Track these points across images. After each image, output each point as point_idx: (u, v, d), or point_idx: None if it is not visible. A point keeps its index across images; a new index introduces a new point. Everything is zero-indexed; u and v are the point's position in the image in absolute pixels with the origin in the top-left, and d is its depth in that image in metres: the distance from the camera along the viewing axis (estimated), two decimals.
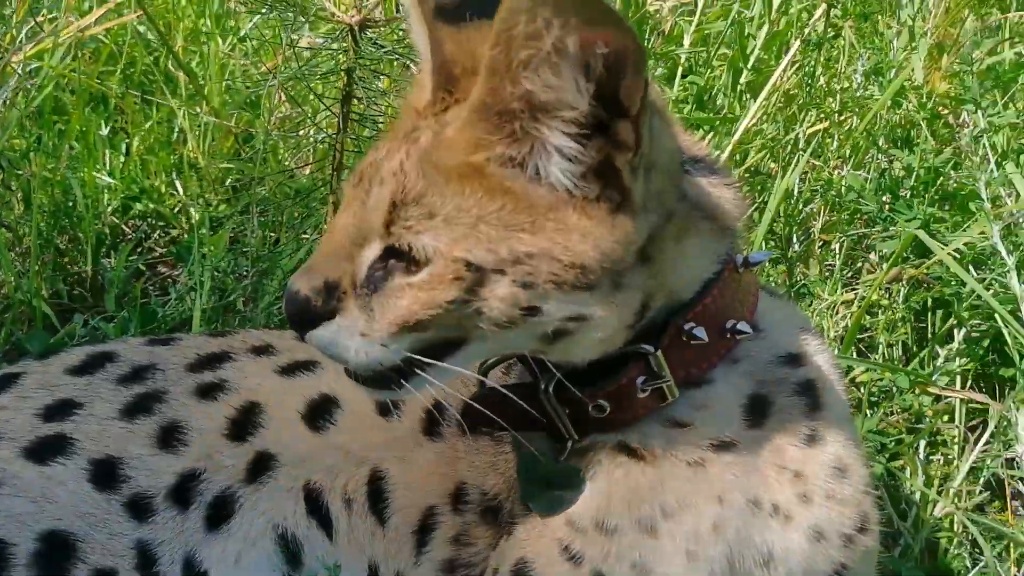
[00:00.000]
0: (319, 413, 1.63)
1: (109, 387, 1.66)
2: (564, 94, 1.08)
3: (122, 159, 2.80)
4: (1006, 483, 1.97)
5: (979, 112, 2.03)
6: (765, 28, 2.51)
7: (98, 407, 1.62)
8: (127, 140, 2.87)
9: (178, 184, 2.73)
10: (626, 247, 1.16)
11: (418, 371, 1.22)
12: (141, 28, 2.95)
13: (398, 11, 1.94)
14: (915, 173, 2.13)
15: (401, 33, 2.02)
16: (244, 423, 1.61)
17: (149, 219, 2.72)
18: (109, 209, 2.67)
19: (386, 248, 1.18)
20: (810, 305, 2.17)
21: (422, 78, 1.29)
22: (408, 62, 2.01)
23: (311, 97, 2.47)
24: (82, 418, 1.59)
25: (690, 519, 1.32)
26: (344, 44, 1.96)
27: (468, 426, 1.50)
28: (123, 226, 2.71)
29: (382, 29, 2.01)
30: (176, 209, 2.72)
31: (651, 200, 1.17)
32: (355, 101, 2.00)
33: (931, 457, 2.01)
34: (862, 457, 1.40)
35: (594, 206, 1.15)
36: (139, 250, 2.64)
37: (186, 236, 2.63)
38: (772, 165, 2.47)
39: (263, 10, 1.85)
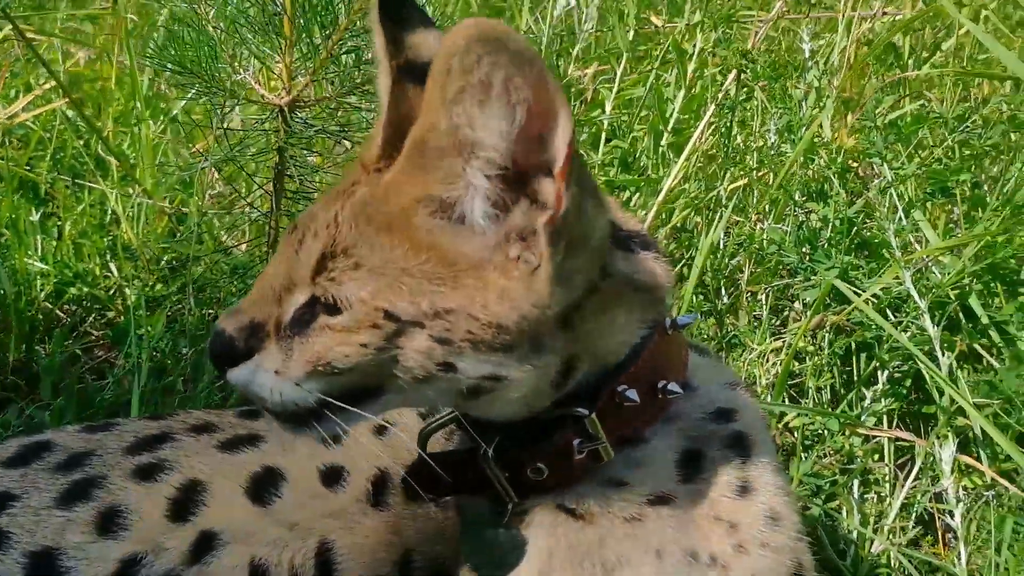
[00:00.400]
0: (263, 487, 1.61)
1: (45, 476, 1.63)
2: (487, 134, 1.10)
3: (54, 244, 2.78)
4: (936, 517, 2.04)
5: (884, 165, 2.14)
6: (682, 92, 2.63)
7: (34, 498, 1.59)
8: (59, 224, 2.85)
9: (112, 266, 2.72)
10: (543, 311, 1.19)
11: (330, 414, 1.24)
12: (70, 113, 2.96)
13: (330, 89, 1.99)
14: (831, 224, 2.23)
15: (330, 111, 2.07)
16: (185, 502, 1.59)
17: (84, 303, 2.70)
18: (42, 295, 2.65)
19: (312, 296, 1.21)
20: (741, 355, 2.24)
21: (375, 131, 1.31)
22: (338, 139, 2.07)
23: (243, 176, 2.50)
24: (18, 510, 1.57)
25: (630, 574, 1.34)
26: (275, 124, 2.00)
27: (412, 493, 1.52)
28: (57, 311, 2.69)
29: (312, 108, 2.05)
30: (111, 291, 2.71)
31: (574, 273, 1.20)
32: (287, 178, 2.04)
33: (865, 496, 2.07)
34: (793, 504, 1.44)
35: (513, 267, 1.17)
36: (74, 334, 2.61)
37: (122, 318, 2.62)
38: (697, 221, 2.56)
39: (191, 94, 1.87)
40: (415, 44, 1.35)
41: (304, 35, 1.95)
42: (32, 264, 2.65)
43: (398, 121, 1.27)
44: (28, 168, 2.85)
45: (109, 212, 2.83)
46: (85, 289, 2.68)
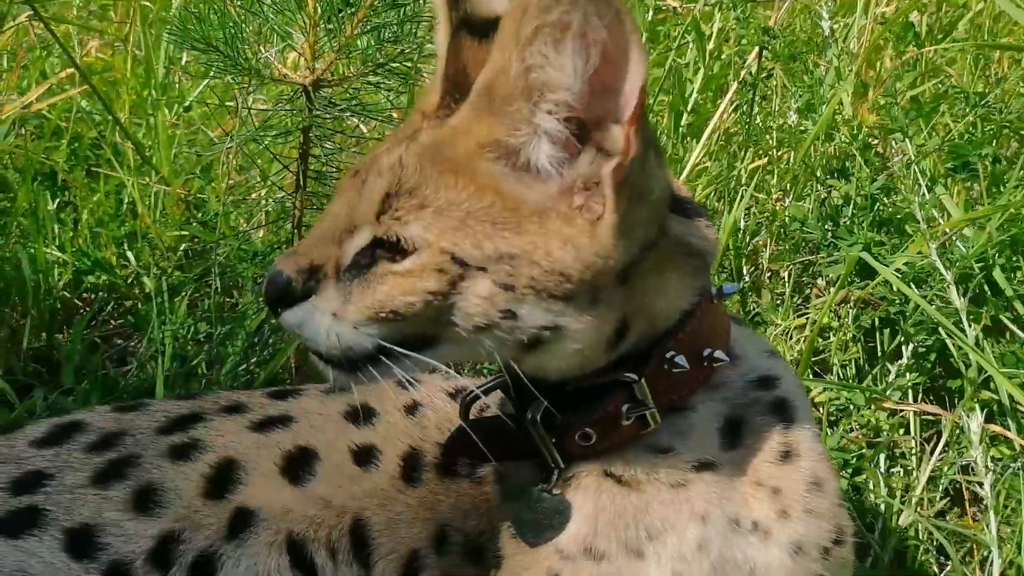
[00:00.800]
0: (297, 465, 1.62)
1: (79, 456, 1.63)
2: (561, 74, 1.10)
3: (71, 233, 2.78)
4: (963, 489, 2.05)
5: (907, 140, 2.15)
6: (701, 73, 2.63)
7: (69, 477, 1.59)
8: (75, 214, 2.85)
9: (130, 255, 2.72)
10: (605, 262, 1.18)
11: (386, 360, 1.21)
12: (84, 104, 2.96)
13: (353, 69, 1.99)
14: (852, 201, 2.24)
15: (354, 90, 2.07)
16: (221, 480, 1.59)
17: (101, 291, 2.70)
18: (61, 283, 2.65)
19: (375, 238, 1.19)
20: (765, 332, 2.24)
21: (433, 82, 1.32)
22: (362, 119, 2.07)
23: (261, 160, 2.51)
24: (53, 488, 1.57)
25: (675, 540, 1.34)
26: (299, 103, 2.00)
27: (449, 464, 1.52)
28: (75, 300, 2.69)
29: (335, 88, 2.05)
30: (129, 279, 2.71)
31: (636, 227, 1.20)
32: (312, 159, 2.04)
33: (891, 470, 2.08)
34: (833, 470, 1.45)
35: (577, 215, 1.17)
36: (93, 323, 2.62)
37: (140, 306, 2.62)
38: (718, 202, 2.56)
39: (218, 74, 1.87)
40: (473, 0, 1.34)
41: (327, 13, 1.95)
42: (50, 253, 2.65)
43: (455, 73, 1.28)
44: (44, 158, 2.85)
45: (126, 200, 2.83)
46: (103, 277, 2.68)
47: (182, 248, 2.75)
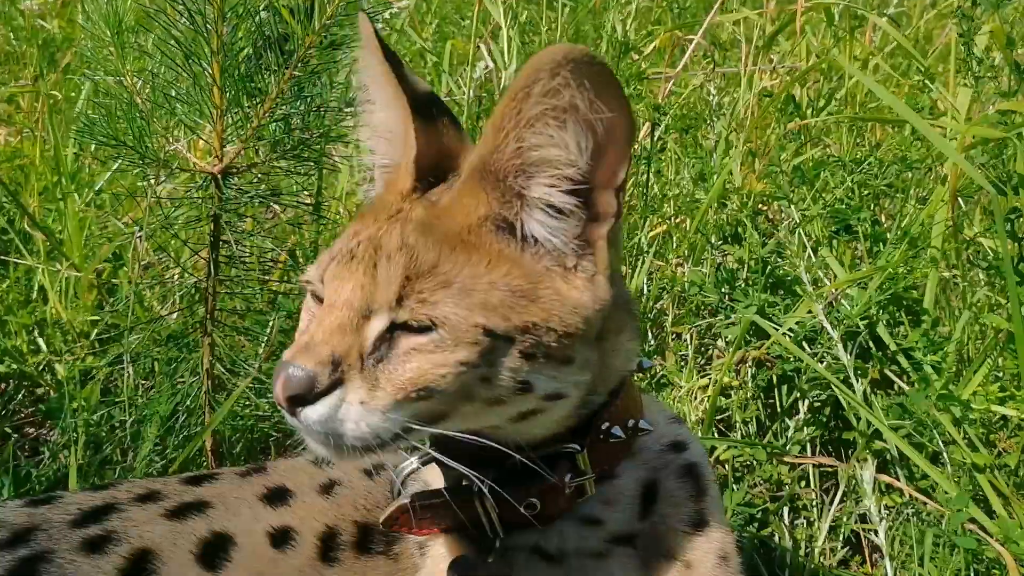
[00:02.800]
0: (214, 552, 1.62)
1: None
2: (567, 151, 1.15)
3: None
4: (862, 537, 2.15)
5: (792, 206, 2.29)
6: None
7: None
8: None
9: (40, 341, 2.69)
10: (601, 314, 1.24)
11: (405, 435, 1.21)
12: None
13: (261, 154, 2.04)
14: (746, 264, 2.36)
15: (261, 176, 2.12)
16: (135, 572, 1.59)
17: (11, 380, 2.65)
18: None
19: (391, 322, 1.18)
20: (671, 393, 2.33)
21: (403, 165, 1.33)
22: (271, 203, 2.11)
23: (172, 246, 2.52)
24: None
25: None
26: (209, 191, 2.04)
27: (391, 539, 1.55)
28: None
29: (244, 175, 2.10)
30: (40, 367, 2.67)
31: (612, 277, 1.26)
32: (223, 244, 2.07)
33: (795, 521, 2.17)
34: (735, 543, 1.50)
35: (573, 275, 1.22)
36: (3, 412, 2.57)
37: (52, 393, 2.59)
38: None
39: (127, 164, 1.90)
40: (412, 80, 1.39)
41: (234, 105, 2.00)
42: None
43: (421, 154, 1.32)
44: None
45: (35, 287, 2.81)
46: (13, 366, 2.64)
47: (94, 334, 2.73)
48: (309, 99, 2.06)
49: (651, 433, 1.43)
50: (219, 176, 2.03)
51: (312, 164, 2.17)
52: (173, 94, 1.98)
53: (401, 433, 1.19)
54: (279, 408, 1.20)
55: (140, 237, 1.96)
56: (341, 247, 1.27)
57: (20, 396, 2.64)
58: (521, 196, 1.20)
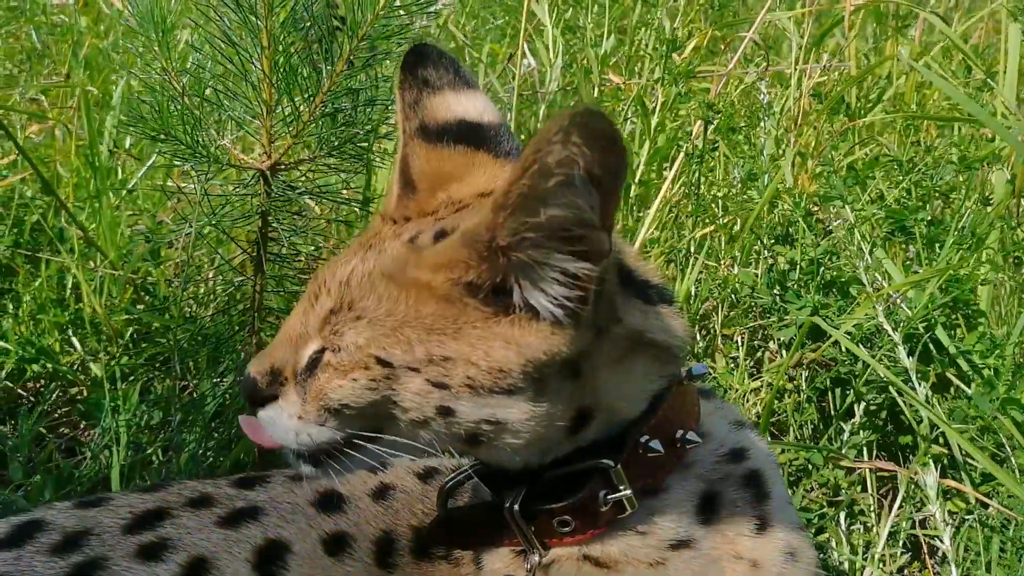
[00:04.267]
0: (269, 560, 1.59)
1: (42, 559, 1.58)
2: (583, 212, 1.12)
3: (10, 321, 2.70)
4: (921, 543, 2.10)
5: (847, 207, 2.24)
6: (647, 145, 2.72)
7: None
8: (14, 302, 2.78)
9: (75, 340, 2.66)
10: (552, 357, 1.21)
11: (351, 451, 1.31)
12: (27, 190, 2.91)
13: (308, 152, 2.01)
14: (798, 266, 2.32)
15: (310, 172, 2.08)
16: None
17: (44, 379, 2.62)
18: (3, 374, 2.57)
19: (320, 346, 1.29)
20: (723, 396, 2.29)
21: (390, 185, 1.40)
22: (319, 200, 2.08)
23: (213, 243, 2.49)
24: None
25: None
26: (257, 187, 2.00)
27: (433, 547, 1.52)
28: (18, 390, 2.61)
29: (292, 171, 2.06)
30: (74, 366, 2.64)
31: (590, 316, 1.22)
32: (271, 241, 2.03)
33: (851, 527, 2.13)
34: (807, 539, 1.48)
35: (535, 323, 1.20)
36: (39, 413, 2.53)
37: (86, 394, 2.55)
38: (666, 270, 2.63)
39: (178, 163, 1.87)
40: (432, 106, 1.43)
41: (284, 100, 1.97)
42: None
43: (410, 179, 1.37)
44: None
45: (69, 285, 2.77)
46: (48, 365, 2.61)
47: (128, 333, 2.70)
48: (359, 93, 2.02)
49: (708, 443, 1.41)
50: (268, 172, 2.00)
51: (358, 160, 2.13)
52: (221, 89, 1.94)
53: (349, 443, 1.30)
54: None
55: (188, 234, 1.92)
56: (325, 267, 1.37)
57: (54, 397, 2.60)
58: (525, 267, 1.18)
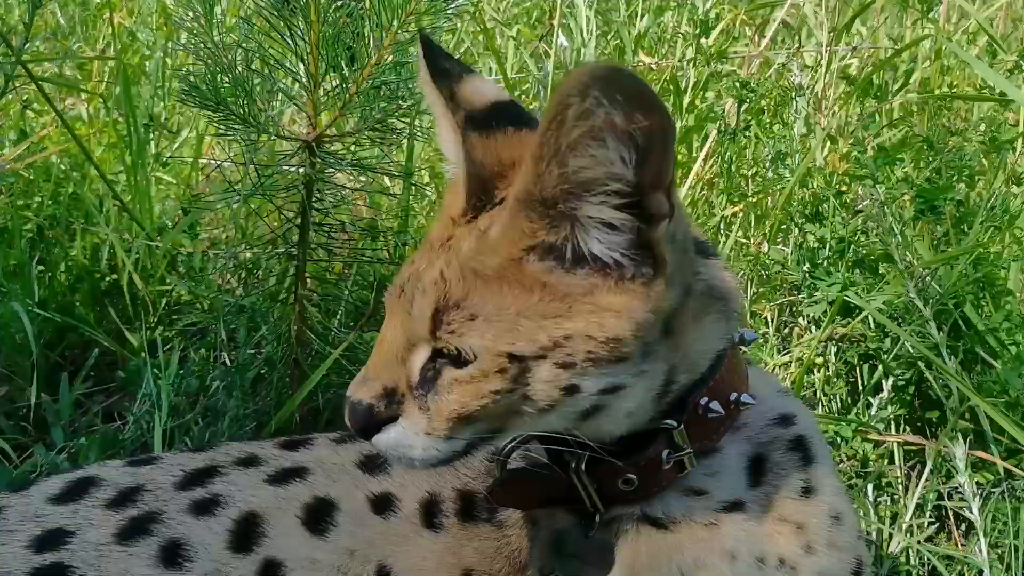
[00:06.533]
0: (318, 517, 1.64)
1: (99, 513, 1.63)
2: (612, 167, 1.15)
3: (48, 290, 2.75)
4: (948, 514, 2.15)
5: (877, 186, 2.28)
6: (678, 124, 2.75)
7: (91, 533, 1.58)
8: (50, 272, 2.82)
9: (111, 310, 2.70)
10: (657, 315, 1.25)
11: (472, 448, 1.32)
12: (62, 163, 2.95)
13: (353, 124, 2.04)
14: (828, 244, 2.36)
15: (354, 145, 2.12)
16: (246, 534, 1.60)
17: (80, 348, 2.66)
18: (42, 341, 2.61)
19: (434, 351, 1.26)
20: None
21: (456, 186, 1.37)
22: (363, 172, 2.12)
23: (255, 213, 2.52)
24: (77, 545, 1.56)
25: None
26: (303, 159, 2.04)
27: (495, 507, 1.56)
28: (57, 357, 2.65)
29: (337, 143, 2.10)
30: (112, 335, 2.68)
31: (675, 272, 1.26)
32: (316, 212, 2.08)
33: (879, 499, 2.17)
34: (850, 503, 1.52)
35: (628, 283, 1.23)
36: (77, 379, 2.58)
37: (126, 362, 2.59)
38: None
39: (231, 133, 1.91)
40: (466, 96, 1.42)
41: (331, 72, 2.01)
42: (32, 310, 2.61)
43: (474, 173, 1.33)
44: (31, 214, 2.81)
45: (104, 256, 2.81)
46: (86, 333, 2.65)
47: (163, 303, 2.74)
48: (403, 68, 2.06)
49: (757, 406, 1.44)
50: (313, 143, 2.04)
51: (401, 134, 2.17)
52: (272, 61, 1.98)
53: (467, 448, 1.31)
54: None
55: (238, 202, 1.96)
56: (398, 279, 1.34)
57: (92, 363, 2.64)
58: (573, 219, 1.20)
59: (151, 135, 3.03)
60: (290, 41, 1.96)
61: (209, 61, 1.88)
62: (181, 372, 2.39)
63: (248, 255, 2.14)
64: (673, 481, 1.39)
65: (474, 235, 1.28)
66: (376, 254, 2.41)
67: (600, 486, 1.39)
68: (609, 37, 3.06)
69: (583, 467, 1.38)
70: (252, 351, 2.37)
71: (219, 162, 2.56)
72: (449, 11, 2.10)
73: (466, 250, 1.27)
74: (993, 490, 2.08)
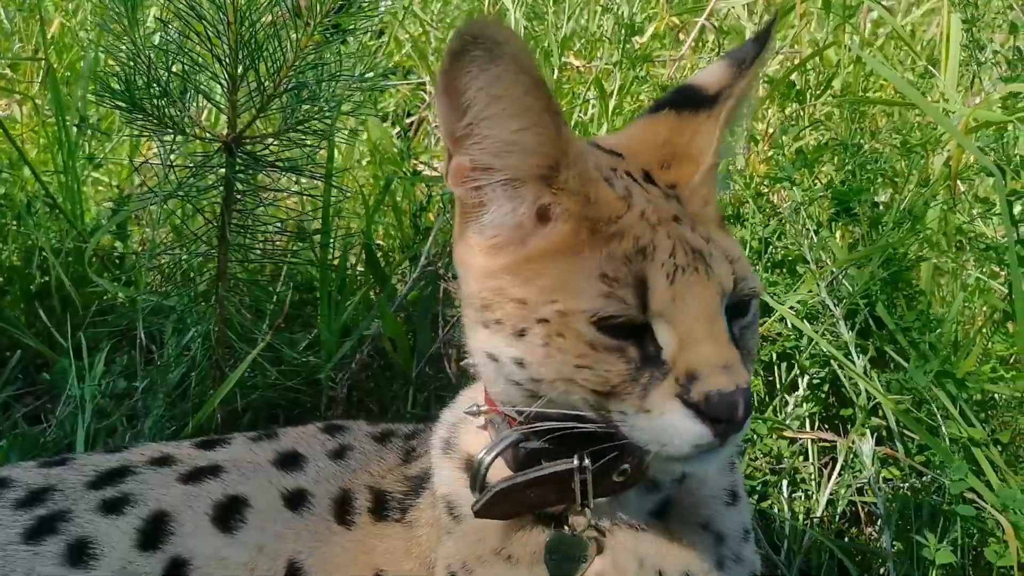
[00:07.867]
0: (228, 514, 1.65)
1: (6, 514, 1.63)
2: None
3: None
4: (860, 509, 2.20)
5: (794, 188, 2.33)
6: (604, 127, 2.79)
7: None
8: None
9: (40, 312, 2.68)
10: None
11: None
12: None
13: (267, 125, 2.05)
14: (748, 245, 2.40)
15: (273, 148, 2.13)
16: (154, 532, 1.61)
17: (9, 350, 2.64)
18: None
19: (731, 306, 1.25)
20: None
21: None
22: (283, 173, 2.13)
23: (176, 215, 2.51)
24: None
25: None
26: (221, 159, 2.05)
27: (405, 507, 1.58)
28: None
29: (256, 144, 2.11)
30: (40, 337, 2.66)
31: None
32: (236, 212, 2.08)
33: (793, 494, 2.22)
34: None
35: None
36: (4, 380, 2.56)
37: (51, 365, 2.58)
38: None
39: (145, 133, 1.91)
40: None
41: (249, 73, 2.01)
42: None
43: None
44: None
45: (36, 258, 2.79)
46: (13, 335, 2.63)
47: (94, 304, 2.73)
48: (323, 69, 2.07)
49: None
50: (232, 144, 2.05)
51: (321, 136, 2.18)
52: (188, 63, 1.99)
53: None
54: (698, 446, 1.18)
55: (157, 203, 1.96)
56: (680, 258, 1.22)
57: (22, 366, 2.62)
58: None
59: (83, 136, 3.01)
60: (207, 43, 1.96)
61: (126, 61, 1.88)
62: (107, 373, 2.38)
63: (167, 257, 2.14)
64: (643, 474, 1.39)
65: (698, 202, 1.31)
66: (304, 254, 2.42)
67: (595, 482, 1.36)
68: (537, 39, 3.09)
69: (587, 463, 1.34)
70: (181, 353, 2.37)
71: (137, 163, 2.55)
72: (379, 13, 2.12)
73: (711, 213, 1.33)
74: (901, 485, 2.13)
